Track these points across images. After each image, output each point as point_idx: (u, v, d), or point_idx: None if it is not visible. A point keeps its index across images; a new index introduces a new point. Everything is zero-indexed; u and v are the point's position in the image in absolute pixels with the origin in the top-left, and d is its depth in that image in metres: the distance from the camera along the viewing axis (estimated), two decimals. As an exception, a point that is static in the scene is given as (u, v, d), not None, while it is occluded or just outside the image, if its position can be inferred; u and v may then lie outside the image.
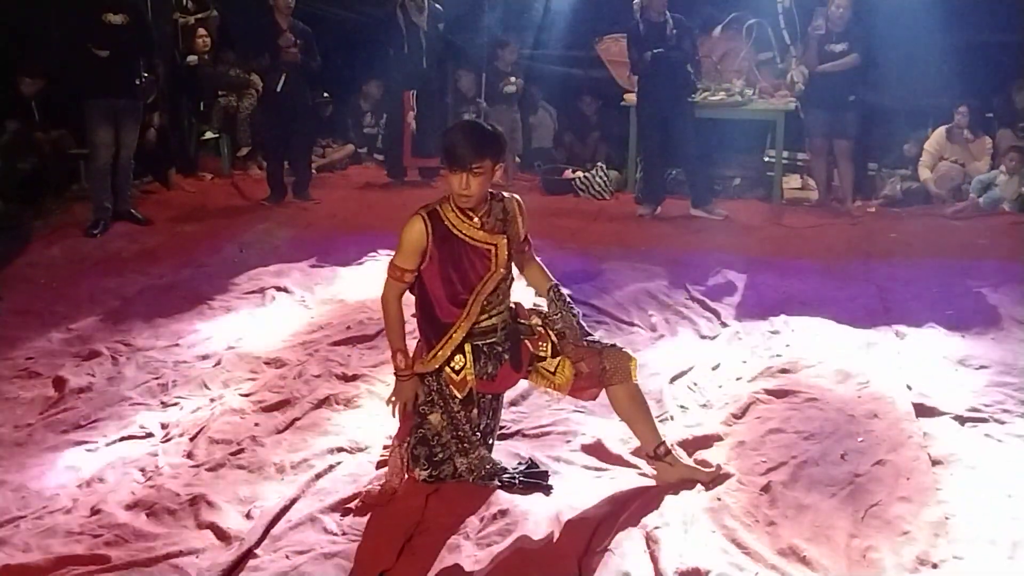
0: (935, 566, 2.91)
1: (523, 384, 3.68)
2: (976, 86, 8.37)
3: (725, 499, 3.29)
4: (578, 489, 3.37)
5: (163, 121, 8.86)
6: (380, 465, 3.56)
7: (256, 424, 3.97)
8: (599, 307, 5.45)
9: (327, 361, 4.63)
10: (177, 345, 4.92)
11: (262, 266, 6.37)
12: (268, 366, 4.61)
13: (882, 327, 5.10)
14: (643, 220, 7.93)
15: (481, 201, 3.29)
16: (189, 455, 3.72)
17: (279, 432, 3.91)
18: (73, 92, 7.43)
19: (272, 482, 3.50)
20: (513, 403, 4.06)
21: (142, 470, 3.59)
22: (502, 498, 3.29)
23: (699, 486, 3.37)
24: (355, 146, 10.34)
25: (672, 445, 3.52)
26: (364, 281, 5.79)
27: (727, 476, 3.43)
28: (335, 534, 3.14)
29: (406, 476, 3.39)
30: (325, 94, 9.88)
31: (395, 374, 3.41)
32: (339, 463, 3.60)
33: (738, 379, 4.42)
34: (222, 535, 3.12)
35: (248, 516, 3.25)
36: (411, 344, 3.48)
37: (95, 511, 3.26)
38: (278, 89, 8.14)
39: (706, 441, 3.77)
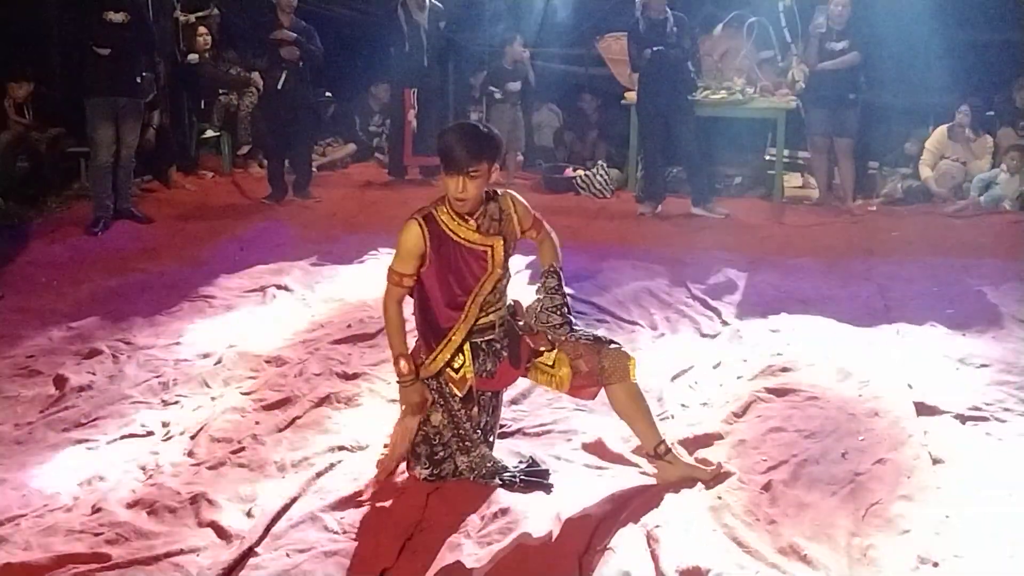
0: (936, 565, 2.91)
1: (524, 382, 3.68)
2: (977, 85, 8.37)
3: (726, 498, 3.29)
4: (579, 488, 3.37)
5: (164, 120, 8.86)
6: (381, 464, 3.56)
7: (257, 422, 3.97)
8: (600, 305, 5.45)
9: (328, 359, 4.63)
10: (178, 343, 4.93)
11: (263, 264, 6.37)
12: (269, 364, 4.61)
13: (883, 326, 5.10)
14: (644, 218, 7.93)
15: (477, 204, 3.29)
16: (190, 453, 3.72)
17: (280, 430, 3.91)
18: (69, 91, 7.42)
19: (273, 480, 3.50)
20: (514, 401, 4.06)
21: (143, 468, 3.60)
22: (503, 496, 3.29)
23: (700, 485, 3.37)
24: (357, 145, 10.34)
25: (672, 444, 3.52)
26: (365, 279, 5.79)
27: (728, 475, 3.43)
28: (336, 532, 3.14)
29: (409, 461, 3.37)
30: (327, 93, 9.88)
31: (398, 381, 3.41)
32: (340, 461, 3.60)
33: (739, 377, 4.41)
34: (223, 533, 3.12)
35: (249, 514, 3.25)
36: (410, 343, 3.48)
37: (96, 509, 3.27)
38: (279, 87, 8.15)
39: (707, 440, 3.77)
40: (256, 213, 8.03)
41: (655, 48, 7.62)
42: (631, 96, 8.52)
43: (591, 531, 3.09)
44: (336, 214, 8.03)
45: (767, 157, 8.89)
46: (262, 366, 4.60)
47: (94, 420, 4.02)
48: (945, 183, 8.22)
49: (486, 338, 3.37)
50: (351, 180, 9.56)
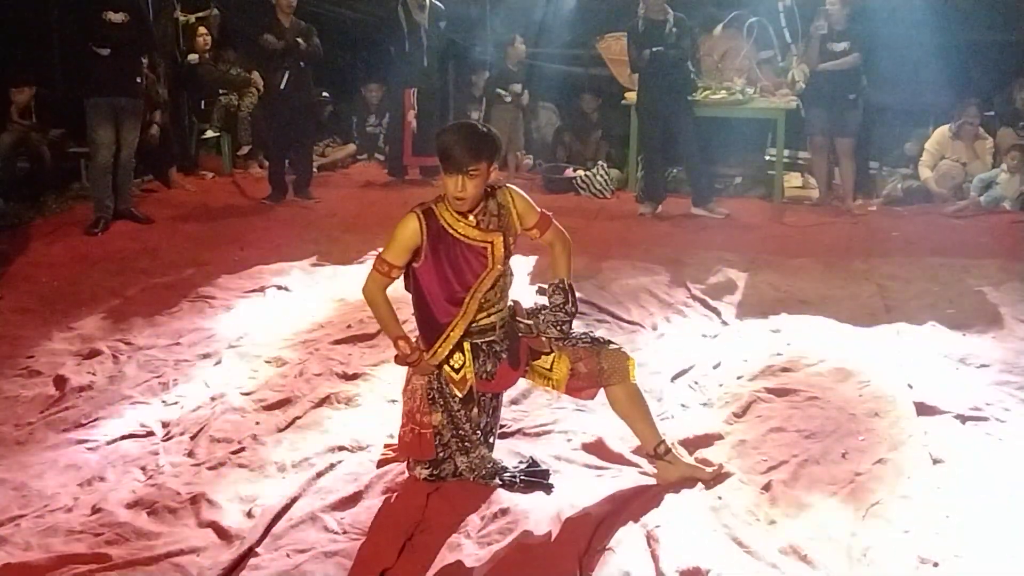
0: (936, 565, 2.91)
1: (523, 383, 3.68)
2: (977, 85, 8.36)
3: (726, 498, 3.29)
4: (579, 488, 3.37)
5: (165, 119, 8.86)
6: (381, 464, 3.56)
7: (257, 423, 3.97)
8: (600, 305, 5.45)
9: (328, 360, 4.63)
10: (178, 344, 4.93)
11: (263, 265, 6.37)
12: (269, 365, 4.61)
13: (883, 326, 5.10)
14: (644, 219, 7.93)
15: (476, 202, 3.29)
16: (190, 454, 3.72)
17: (280, 431, 3.91)
18: (71, 91, 7.42)
19: (273, 480, 3.50)
20: (514, 402, 4.06)
21: (143, 469, 3.60)
22: (503, 497, 3.30)
23: (700, 485, 3.37)
24: (356, 145, 10.35)
25: (673, 444, 3.52)
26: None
27: (728, 475, 3.43)
28: (336, 533, 3.14)
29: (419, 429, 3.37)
30: (324, 94, 9.88)
31: (406, 363, 3.37)
32: (340, 462, 3.60)
33: (739, 378, 4.41)
34: (223, 534, 3.12)
35: (249, 515, 3.25)
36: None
37: (96, 510, 3.27)
38: (281, 87, 8.15)
39: (707, 440, 3.77)
40: (256, 213, 8.03)
41: (654, 49, 7.62)
42: (631, 96, 8.52)
43: (591, 531, 3.09)
44: (336, 214, 8.03)
45: (767, 157, 8.89)
46: (262, 366, 4.60)
47: (94, 420, 4.02)
48: (945, 183, 8.21)
49: (486, 339, 3.37)
50: (351, 180, 9.56)
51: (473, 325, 3.33)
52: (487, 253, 3.30)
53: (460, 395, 3.36)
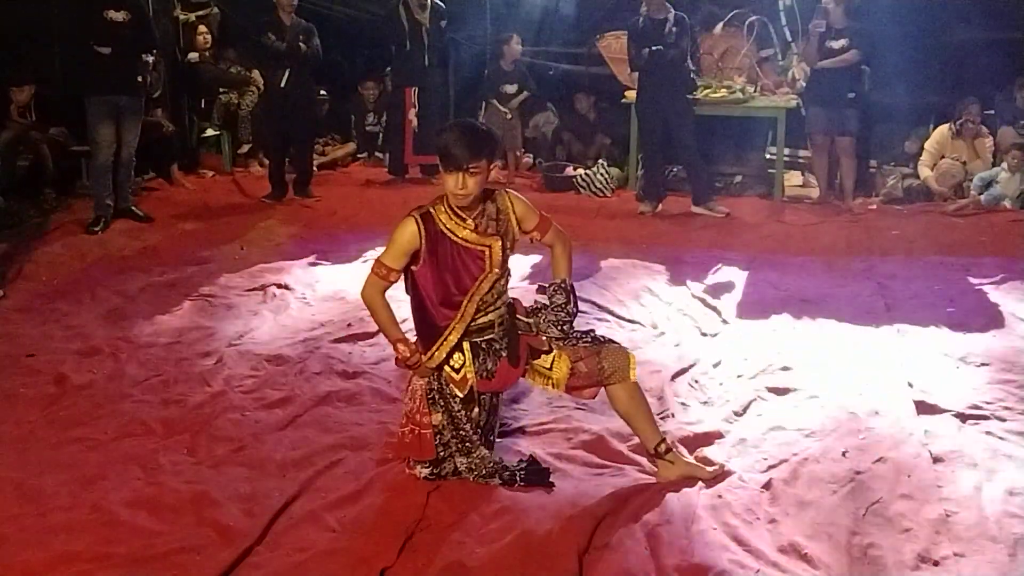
0: (936, 563, 2.91)
1: (523, 381, 3.67)
2: (977, 83, 8.35)
3: (726, 496, 3.29)
4: (579, 486, 3.37)
5: (167, 117, 8.86)
6: (381, 463, 3.56)
7: (257, 421, 3.97)
8: (600, 304, 5.45)
9: (328, 358, 4.64)
10: (178, 342, 4.93)
11: (263, 263, 6.38)
12: (269, 363, 4.61)
13: (883, 324, 5.10)
14: (644, 217, 7.93)
15: (476, 200, 3.29)
16: (190, 452, 3.72)
17: (280, 429, 3.91)
18: (71, 90, 7.42)
19: (273, 479, 3.49)
20: (514, 400, 4.06)
21: (143, 467, 3.59)
22: (503, 495, 3.30)
23: (700, 483, 3.37)
24: (355, 144, 10.34)
25: (673, 442, 3.52)
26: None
27: (728, 473, 3.44)
28: (336, 531, 3.14)
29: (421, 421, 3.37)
30: (322, 92, 9.87)
31: (406, 365, 3.39)
32: (340, 460, 3.60)
33: (739, 376, 4.42)
34: (223, 532, 3.12)
35: (249, 513, 3.25)
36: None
37: (96, 508, 3.26)
38: (282, 85, 8.15)
39: (707, 438, 3.77)
40: (257, 212, 8.03)
41: (654, 47, 7.61)
42: (631, 95, 8.52)
43: (591, 530, 3.09)
44: (336, 213, 8.03)
45: (767, 156, 8.88)
46: (263, 365, 4.60)
47: (95, 419, 4.02)
48: (945, 182, 8.20)
49: (485, 337, 3.37)
50: (351, 179, 9.55)
51: (472, 324, 3.33)
52: (485, 257, 3.30)
53: (461, 395, 3.36)
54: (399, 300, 3.46)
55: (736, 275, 6.11)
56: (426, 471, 3.40)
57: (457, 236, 3.28)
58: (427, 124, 8.93)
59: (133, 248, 6.87)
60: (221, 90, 9.60)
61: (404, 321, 3.53)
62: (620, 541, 3.04)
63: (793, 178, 8.95)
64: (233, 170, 9.58)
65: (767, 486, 3.36)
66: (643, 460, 3.54)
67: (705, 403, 4.16)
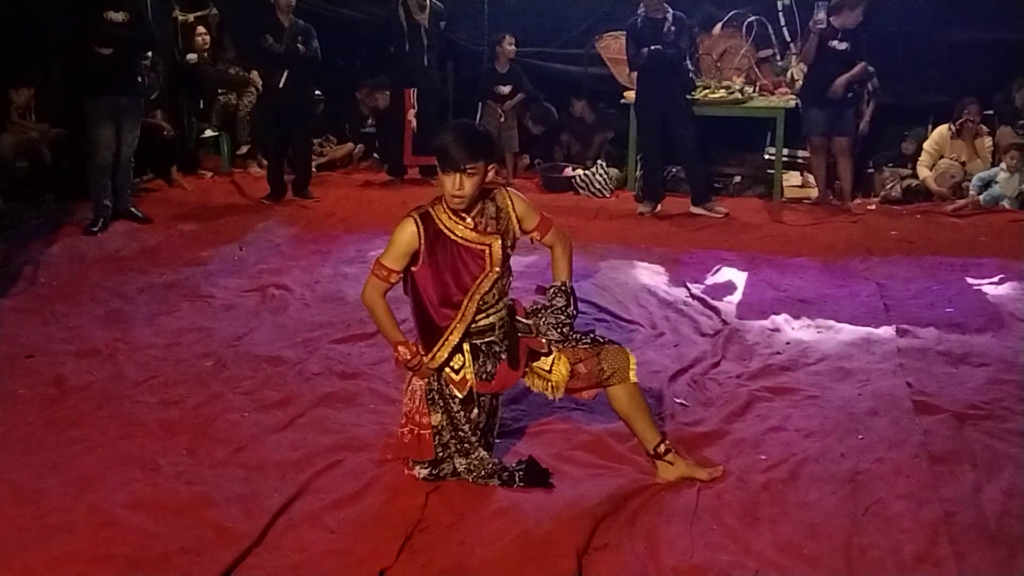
0: (936, 564, 2.91)
1: (523, 381, 3.68)
2: (976, 83, 8.36)
3: (726, 497, 3.29)
4: (578, 487, 3.37)
5: (166, 118, 8.86)
6: (380, 464, 3.56)
7: (256, 422, 3.97)
8: (599, 305, 5.45)
9: (327, 359, 4.64)
10: (177, 343, 4.92)
11: (262, 264, 6.37)
12: (268, 364, 4.61)
13: (882, 324, 5.10)
14: (643, 218, 7.93)
15: (475, 200, 3.29)
16: (189, 453, 3.72)
17: (279, 430, 3.91)
18: (71, 91, 7.42)
19: (272, 480, 3.49)
20: (514, 401, 4.06)
21: (142, 468, 3.59)
22: (502, 496, 3.30)
23: (699, 484, 3.37)
24: (354, 145, 10.32)
25: (672, 443, 3.52)
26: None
27: (727, 474, 3.44)
28: (335, 532, 3.14)
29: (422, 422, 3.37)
30: (317, 92, 9.86)
31: (406, 367, 3.38)
32: (339, 461, 3.60)
33: (738, 377, 4.42)
34: (222, 533, 3.12)
35: (248, 514, 3.25)
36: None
37: (95, 509, 3.26)
38: (280, 86, 8.15)
39: (706, 439, 3.77)
40: (256, 213, 8.03)
41: (652, 47, 7.62)
42: (630, 96, 8.52)
43: (591, 530, 3.09)
44: (336, 214, 8.03)
45: (766, 156, 8.89)
46: (262, 366, 4.60)
47: (93, 420, 4.02)
48: (944, 182, 8.21)
49: (485, 340, 3.37)
50: (351, 180, 9.54)
51: (472, 326, 3.33)
52: (485, 256, 3.30)
53: (460, 396, 3.36)
54: (399, 301, 3.46)
55: (735, 275, 6.12)
56: (425, 472, 3.40)
57: (457, 235, 3.28)
58: (426, 125, 8.93)
59: (132, 249, 6.86)
60: (220, 91, 9.59)
61: (404, 322, 3.53)
62: (619, 541, 3.04)
63: (792, 178, 8.94)
64: (232, 171, 9.56)
65: (766, 486, 3.36)
66: (642, 460, 3.54)
67: (704, 403, 4.16)
